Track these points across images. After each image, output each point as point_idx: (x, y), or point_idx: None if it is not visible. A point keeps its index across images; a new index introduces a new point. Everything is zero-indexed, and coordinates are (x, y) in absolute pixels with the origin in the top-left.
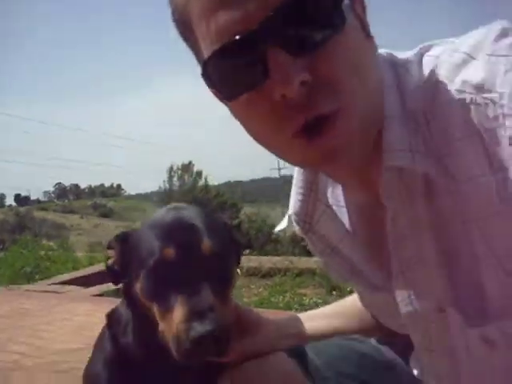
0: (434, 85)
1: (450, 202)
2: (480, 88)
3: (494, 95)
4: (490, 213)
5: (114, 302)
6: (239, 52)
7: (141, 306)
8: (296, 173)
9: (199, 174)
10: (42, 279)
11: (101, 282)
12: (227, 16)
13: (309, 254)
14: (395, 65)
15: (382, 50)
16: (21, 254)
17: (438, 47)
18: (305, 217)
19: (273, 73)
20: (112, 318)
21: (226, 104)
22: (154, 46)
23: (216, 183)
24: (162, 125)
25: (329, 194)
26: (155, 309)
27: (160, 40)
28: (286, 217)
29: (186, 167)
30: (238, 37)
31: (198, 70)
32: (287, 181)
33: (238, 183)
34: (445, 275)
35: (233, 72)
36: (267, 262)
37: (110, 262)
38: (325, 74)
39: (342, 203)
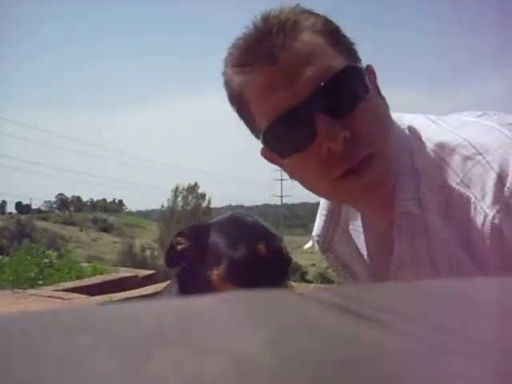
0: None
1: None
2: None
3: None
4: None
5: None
6: (291, 121)
7: (204, 287)
8: (322, 202)
9: (203, 196)
10: (45, 285)
11: (104, 292)
12: (279, 95)
13: (306, 281)
14: (408, 129)
15: (395, 114)
16: (25, 260)
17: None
18: (324, 238)
19: (320, 132)
20: None
21: (279, 162)
22: (160, 58)
23: (218, 206)
24: (164, 142)
25: (350, 222)
26: None
27: (167, 53)
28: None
29: (192, 188)
30: (290, 108)
31: (208, 93)
32: (289, 208)
33: (239, 207)
34: None
35: (287, 137)
36: None
37: (180, 247)
38: (359, 130)
39: (361, 229)
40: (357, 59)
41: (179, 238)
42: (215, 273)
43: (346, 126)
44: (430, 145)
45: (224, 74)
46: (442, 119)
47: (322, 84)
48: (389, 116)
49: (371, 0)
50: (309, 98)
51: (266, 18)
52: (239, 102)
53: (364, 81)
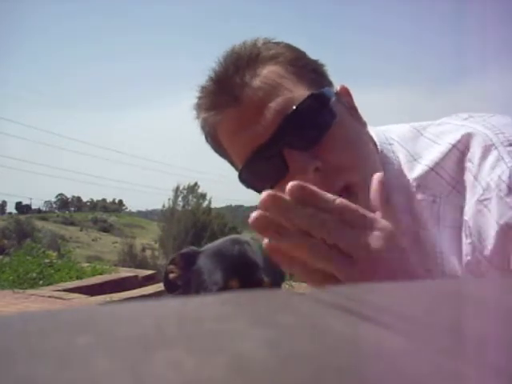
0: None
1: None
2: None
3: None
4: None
5: None
6: (262, 159)
7: None
8: None
9: (203, 196)
10: (45, 285)
11: (104, 293)
12: (246, 136)
13: None
14: (395, 144)
15: (382, 128)
16: (25, 260)
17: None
18: None
19: (291, 167)
20: None
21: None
22: (160, 58)
23: (217, 206)
24: (163, 143)
25: None
26: None
27: (167, 54)
28: None
29: (192, 188)
30: (258, 147)
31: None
32: None
33: (239, 207)
34: None
35: (261, 175)
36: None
37: (171, 275)
38: (330, 159)
39: None
40: (324, 83)
41: (171, 266)
42: None
43: (317, 157)
44: (420, 160)
45: (197, 117)
46: (427, 129)
47: (285, 118)
48: (363, 138)
49: None
50: (275, 135)
51: (228, 56)
52: (215, 143)
53: (329, 107)
